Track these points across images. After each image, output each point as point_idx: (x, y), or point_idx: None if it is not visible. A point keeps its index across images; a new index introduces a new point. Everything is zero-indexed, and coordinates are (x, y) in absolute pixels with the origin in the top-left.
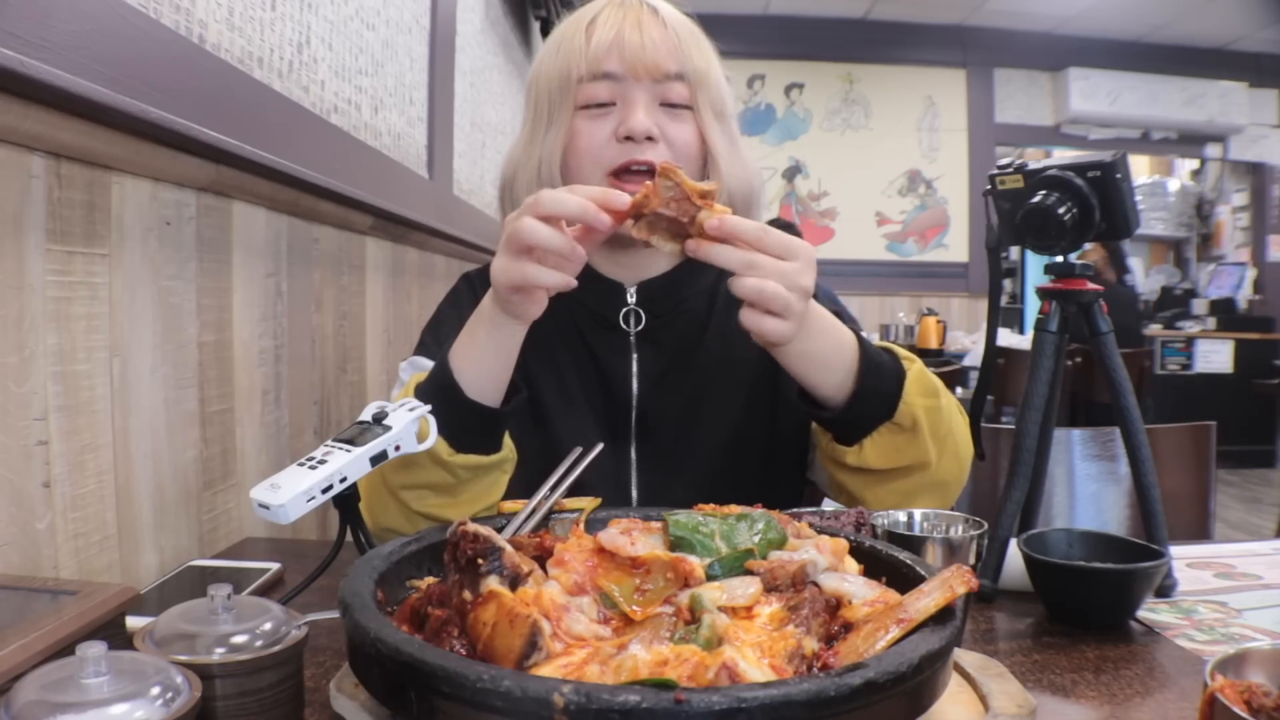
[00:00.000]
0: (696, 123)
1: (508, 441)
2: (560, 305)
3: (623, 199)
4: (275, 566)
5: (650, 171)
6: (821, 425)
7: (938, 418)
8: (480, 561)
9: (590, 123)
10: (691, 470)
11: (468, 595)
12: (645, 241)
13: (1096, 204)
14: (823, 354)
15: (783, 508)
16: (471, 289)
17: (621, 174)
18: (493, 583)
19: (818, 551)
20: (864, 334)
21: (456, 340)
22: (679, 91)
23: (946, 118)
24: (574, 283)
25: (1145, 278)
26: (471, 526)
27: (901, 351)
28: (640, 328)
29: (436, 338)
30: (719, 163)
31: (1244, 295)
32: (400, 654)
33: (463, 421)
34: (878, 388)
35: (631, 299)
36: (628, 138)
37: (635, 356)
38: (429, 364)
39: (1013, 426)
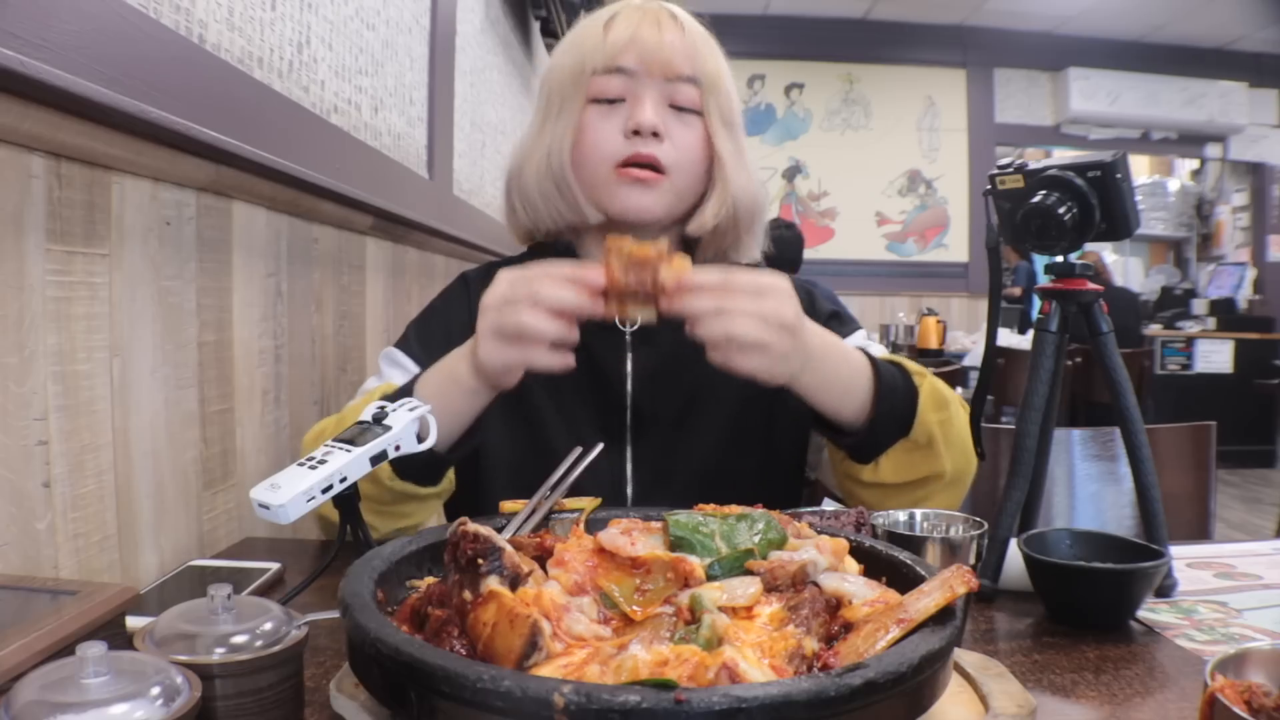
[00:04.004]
0: (705, 128)
1: (450, 475)
2: None
3: (597, 278)
4: (275, 566)
5: (655, 167)
6: (838, 447)
7: (950, 429)
8: (480, 561)
9: (599, 118)
10: (687, 470)
11: (468, 595)
12: (622, 319)
13: (1096, 204)
14: (840, 380)
15: (780, 508)
16: (467, 290)
17: (628, 166)
18: (493, 583)
19: (818, 551)
20: (869, 347)
21: (424, 387)
22: (689, 94)
23: (946, 118)
24: (573, 364)
25: (1145, 278)
26: (472, 526)
27: (912, 366)
28: (636, 327)
29: (420, 335)
30: (725, 169)
31: (1244, 295)
32: (400, 654)
33: (412, 458)
34: (894, 409)
35: None
36: (635, 132)
37: (630, 355)
38: (407, 361)
39: (1013, 426)
